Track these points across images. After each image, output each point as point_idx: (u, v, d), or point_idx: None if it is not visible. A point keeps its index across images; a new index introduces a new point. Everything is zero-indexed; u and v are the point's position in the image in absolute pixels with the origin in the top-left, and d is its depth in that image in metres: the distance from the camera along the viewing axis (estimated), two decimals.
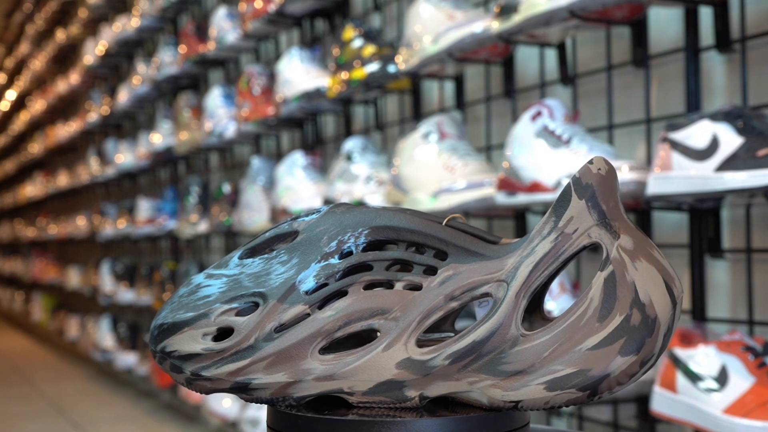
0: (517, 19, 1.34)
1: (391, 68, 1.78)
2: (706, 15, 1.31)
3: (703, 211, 1.28)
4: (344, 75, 1.89)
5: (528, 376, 0.54)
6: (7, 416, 3.39)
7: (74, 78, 4.61)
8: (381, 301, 0.56)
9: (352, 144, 1.89)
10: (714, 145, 1.09)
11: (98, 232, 4.17)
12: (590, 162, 0.55)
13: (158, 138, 3.30)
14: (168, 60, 3.15)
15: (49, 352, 5.39)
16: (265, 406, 2.46)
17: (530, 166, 1.33)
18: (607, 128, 1.51)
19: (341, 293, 0.57)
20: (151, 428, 3.17)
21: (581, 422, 1.59)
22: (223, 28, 2.61)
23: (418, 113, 1.94)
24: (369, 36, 1.89)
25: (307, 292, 0.57)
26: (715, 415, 1.10)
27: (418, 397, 0.56)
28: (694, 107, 1.29)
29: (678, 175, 1.13)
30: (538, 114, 1.35)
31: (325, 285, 0.57)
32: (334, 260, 0.58)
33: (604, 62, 1.53)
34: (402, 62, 1.70)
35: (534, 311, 0.59)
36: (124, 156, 3.77)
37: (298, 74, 2.15)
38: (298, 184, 2.12)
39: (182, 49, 2.97)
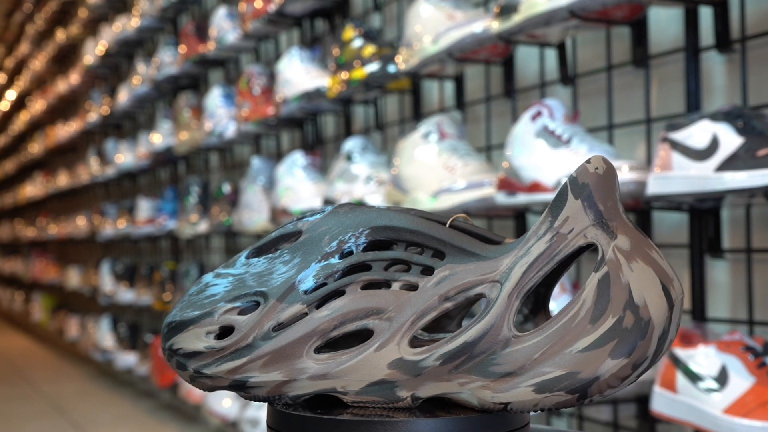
0: (517, 19, 1.34)
1: (391, 68, 1.78)
2: (706, 15, 1.31)
3: (703, 211, 1.28)
4: (344, 75, 1.89)
5: (517, 377, 0.53)
6: (7, 416, 3.39)
7: (74, 78, 4.61)
8: (376, 301, 0.57)
9: (352, 144, 1.89)
10: (714, 145, 1.09)
11: (98, 232, 4.17)
12: (588, 161, 0.54)
13: (158, 138, 3.31)
14: (168, 60, 3.15)
15: (49, 352, 5.39)
16: (264, 406, 2.46)
17: (530, 166, 1.33)
18: (607, 128, 1.51)
19: (339, 293, 0.58)
20: (151, 428, 3.17)
21: (581, 422, 1.59)
22: (223, 28, 2.61)
23: (418, 113, 1.94)
24: (369, 36, 1.89)
25: (305, 292, 0.58)
26: (715, 415, 1.10)
27: (410, 398, 0.56)
28: (694, 107, 1.29)
29: (678, 175, 1.13)
30: (538, 114, 1.35)
31: (323, 285, 0.58)
32: (334, 260, 0.58)
33: (604, 62, 1.53)
34: (402, 62, 1.70)
35: (538, 312, 0.59)
36: (124, 156, 3.77)
37: (298, 74, 2.15)
38: (298, 184, 2.12)
39: (182, 49, 2.97)
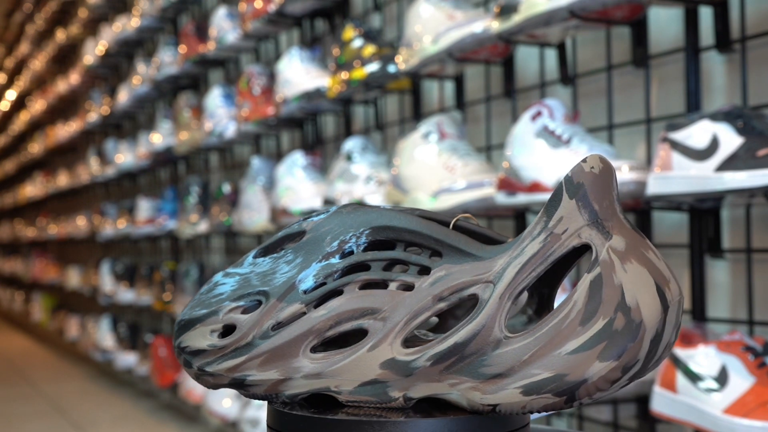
0: (517, 19, 1.34)
1: (391, 68, 1.78)
2: (706, 15, 1.31)
3: (703, 211, 1.28)
4: (344, 75, 1.89)
5: (506, 379, 0.53)
6: (7, 416, 3.39)
7: (74, 78, 4.62)
8: (371, 301, 0.57)
9: (352, 144, 1.89)
10: (714, 145, 1.09)
11: (98, 232, 4.17)
12: (584, 160, 0.53)
13: (158, 138, 3.31)
14: (168, 60, 3.15)
15: (49, 352, 5.39)
16: (264, 407, 2.46)
17: (530, 166, 1.33)
18: (607, 128, 1.51)
19: (337, 292, 0.58)
20: (151, 428, 3.17)
21: (581, 422, 1.59)
22: (223, 28, 2.61)
23: (418, 113, 1.94)
24: (369, 36, 1.89)
25: (305, 291, 0.58)
26: (715, 415, 1.10)
27: (402, 398, 0.56)
28: (694, 107, 1.29)
29: (678, 175, 1.13)
30: (538, 114, 1.35)
31: (323, 284, 0.58)
32: (335, 260, 0.58)
33: (604, 62, 1.53)
34: (402, 62, 1.70)
35: (543, 313, 0.59)
36: (124, 156, 3.77)
37: (298, 74, 2.15)
38: (298, 184, 2.12)
39: (182, 49, 2.97)
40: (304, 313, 0.58)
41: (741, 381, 1.09)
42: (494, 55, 1.63)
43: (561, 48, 1.54)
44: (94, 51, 4.15)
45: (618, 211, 0.54)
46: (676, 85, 1.40)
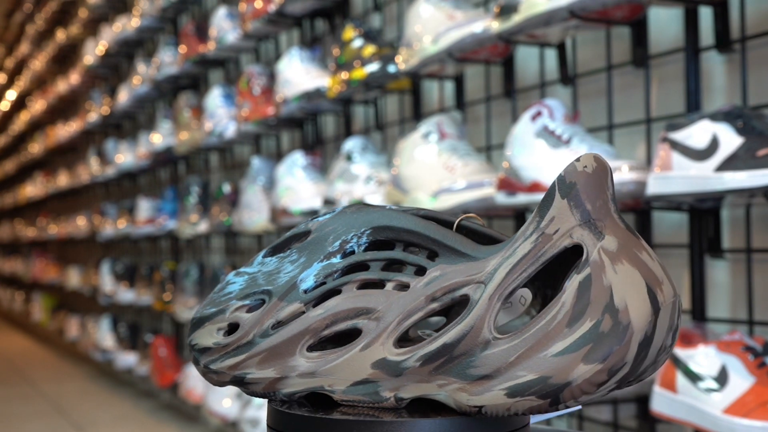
0: (517, 19, 1.34)
1: (391, 68, 1.78)
2: (706, 15, 1.31)
3: (703, 211, 1.28)
4: (344, 75, 1.89)
5: (492, 381, 0.52)
6: (7, 416, 3.39)
7: (74, 78, 4.62)
8: (367, 301, 0.57)
9: (352, 144, 1.89)
10: (714, 145, 1.09)
11: (98, 232, 4.17)
12: (577, 159, 0.53)
13: (158, 138, 3.31)
14: (168, 60, 3.15)
15: (49, 352, 5.39)
16: (264, 407, 2.46)
17: (530, 166, 1.33)
18: (607, 128, 1.51)
19: (336, 292, 0.58)
20: (151, 428, 3.17)
21: (581, 422, 1.59)
22: (223, 28, 2.61)
23: (418, 113, 1.94)
24: (369, 36, 1.89)
25: (305, 291, 0.59)
26: (715, 415, 1.10)
27: (393, 398, 0.55)
28: (694, 107, 1.29)
29: (678, 175, 1.13)
30: (538, 114, 1.35)
31: (323, 284, 0.59)
32: (336, 259, 0.59)
33: (604, 62, 1.53)
34: (402, 62, 1.70)
35: None
36: (124, 156, 3.77)
37: (298, 74, 2.15)
38: (298, 184, 2.12)
39: (182, 49, 2.97)
40: (303, 313, 0.58)
41: (741, 381, 1.09)
42: (494, 55, 1.63)
43: (561, 48, 1.54)
44: (94, 51, 4.15)
45: (612, 210, 0.53)
46: (676, 85, 1.40)
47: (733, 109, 1.11)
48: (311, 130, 2.42)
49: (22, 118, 6.35)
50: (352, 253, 0.59)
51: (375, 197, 1.75)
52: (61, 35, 4.88)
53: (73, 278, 4.79)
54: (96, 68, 4.23)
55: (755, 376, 1.09)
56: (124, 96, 3.72)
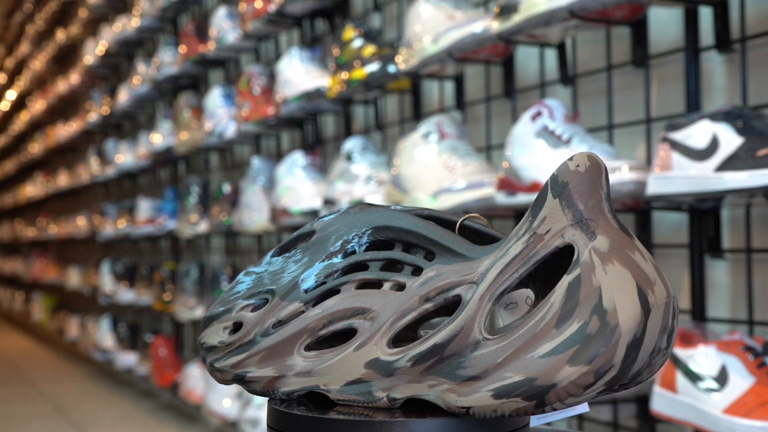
0: (517, 19, 1.34)
1: (391, 68, 1.78)
2: (706, 15, 1.31)
3: (703, 211, 1.28)
4: (344, 75, 1.89)
5: (480, 382, 0.51)
6: (7, 416, 3.39)
7: (74, 78, 4.61)
8: (363, 301, 0.57)
9: (352, 144, 1.89)
10: (714, 145, 1.09)
11: (98, 232, 4.17)
12: (570, 158, 0.52)
13: (158, 138, 3.31)
14: (168, 60, 3.15)
15: (49, 352, 5.39)
16: (265, 407, 2.46)
17: (530, 166, 1.33)
18: (607, 128, 1.51)
19: (335, 292, 0.58)
20: (151, 428, 3.17)
21: (581, 422, 1.59)
22: (223, 28, 2.61)
23: (418, 113, 1.94)
24: (369, 36, 1.89)
25: (306, 291, 0.59)
26: (715, 415, 1.10)
27: (386, 398, 0.55)
28: (694, 107, 1.29)
29: (678, 175, 1.13)
30: (538, 114, 1.35)
31: (323, 283, 0.59)
32: (337, 259, 0.59)
33: (604, 62, 1.53)
34: (402, 62, 1.70)
35: None
36: (124, 156, 3.77)
37: (298, 74, 2.15)
38: (298, 184, 2.12)
39: (182, 49, 2.97)
40: (303, 312, 0.58)
41: (741, 381, 1.09)
42: (494, 55, 1.63)
43: (561, 48, 1.54)
44: (94, 51, 4.15)
45: (606, 210, 0.52)
46: (676, 85, 1.40)
47: (733, 109, 1.11)
48: (311, 130, 2.42)
49: (22, 118, 6.35)
50: (353, 252, 0.59)
51: (375, 197, 1.75)
52: (61, 35, 4.88)
53: (73, 278, 4.79)
54: (96, 68, 4.23)
55: (755, 376, 1.09)
56: (124, 96, 3.72)
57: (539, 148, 1.33)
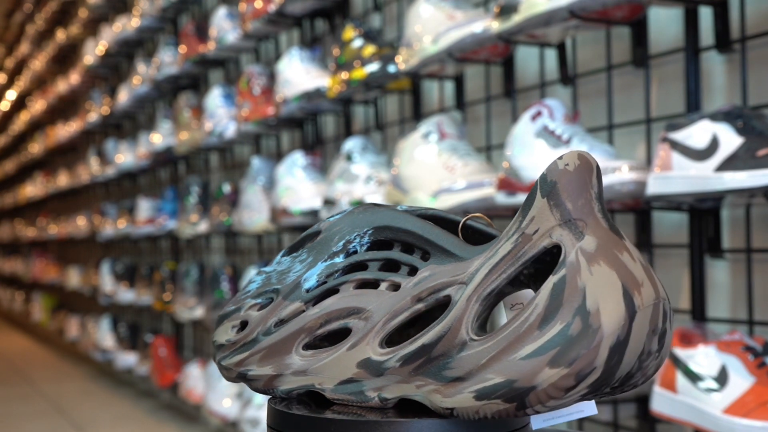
0: (517, 19, 1.34)
1: (391, 68, 1.78)
2: (706, 15, 1.31)
3: (703, 211, 1.28)
4: (344, 75, 1.89)
5: (464, 383, 0.51)
6: (7, 416, 3.39)
7: (74, 78, 4.61)
8: (359, 301, 0.57)
9: (352, 144, 1.89)
10: (714, 145, 1.09)
11: (98, 232, 4.17)
12: (560, 157, 0.51)
13: (158, 138, 3.31)
14: (168, 60, 3.15)
15: (49, 352, 5.39)
16: (265, 407, 2.45)
17: (530, 166, 1.33)
18: (607, 128, 1.51)
19: (334, 291, 0.58)
20: (151, 428, 3.17)
21: (581, 422, 1.59)
22: (223, 28, 2.61)
23: (418, 113, 1.94)
24: (369, 36, 1.89)
25: (308, 290, 0.59)
26: (715, 415, 1.10)
27: (377, 398, 0.55)
28: (694, 107, 1.29)
29: (678, 175, 1.13)
30: (538, 114, 1.35)
31: (324, 283, 0.59)
32: (339, 259, 0.60)
33: (604, 62, 1.53)
34: (402, 62, 1.70)
35: None
36: (124, 156, 3.77)
37: (298, 74, 2.15)
38: (298, 184, 2.12)
39: (182, 49, 2.97)
40: (303, 311, 0.59)
41: (741, 381, 1.09)
42: (494, 55, 1.63)
43: (561, 48, 1.54)
44: (94, 51, 4.15)
45: (596, 210, 0.51)
46: (676, 85, 1.40)
47: (733, 109, 1.11)
48: (311, 130, 2.42)
49: (22, 118, 6.35)
50: (355, 252, 0.59)
51: (375, 197, 1.75)
52: (61, 35, 4.88)
53: (73, 278, 4.79)
54: (96, 68, 4.23)
55: (755, 376, 1.09)
56: (124, 96, 3.72)
57: (539, 148, 1.33)
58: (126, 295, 3.76)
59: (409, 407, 0.56)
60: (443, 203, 1.50)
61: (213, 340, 0.63)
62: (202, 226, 2.85)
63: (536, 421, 0.57)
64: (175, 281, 3.15)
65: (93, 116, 4.25)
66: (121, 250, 4.45)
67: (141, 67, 3.51)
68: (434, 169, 1.56)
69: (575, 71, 1.59)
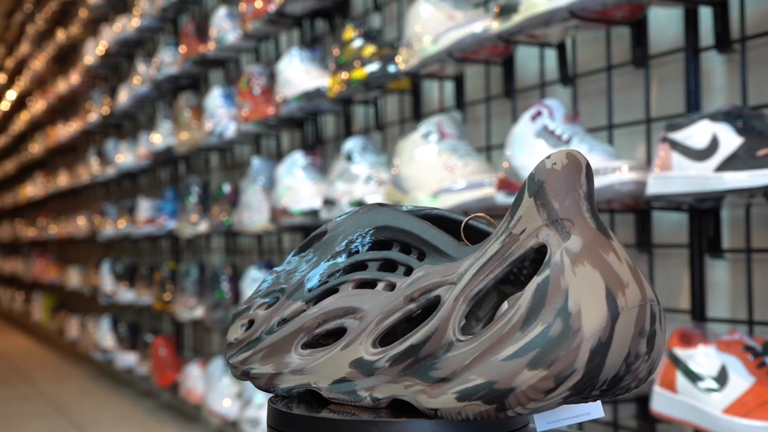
0: (517, 19, 1.34)
1: (391, 68, 1.78)
2: (706, 15, 1.31)
3: (703, 211, 1.28)
4: (344, 75, 1.89)
5: (448, 384, 0.50)
6: (7, 416, 3.39)
7: (74, 78, 4.61)
8: (355, 301, 0.57)
9: (352, 144, 1.89)
10: (714, 145, 1.09)
11: (98, 232, 4.17)
12: (548, 156, 0.50)
13: (158, 138, 3.31)
14: (168, 60, 3.15)
15: (49, 352, 5.39)
16: (265, 407, 2.45)
17: (530, 166, 1.33)
18: (607, 128, 1.51)
19: (334, 291, 0.59)
20: (151, 428, 3.17)
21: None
22: (223, 28, 2.61)
23: (418, 113, 1.94)
24: (369, 36, 1.89)
25: (310, 290, 0.60)
26: (714, 415, 1.10)
27: (369, 398, 0.55)
28: (694, 107, 1.29)
29: (678, 175, 1.13)
30: (538, 114, 1.35)
31: (326, 283, 0.59)
32: (341, 259, 0.60)
33: (604, 62, 1.53)
34: (402, 62, 1.70)
35: None
36: (124, 156, 3.77)
37: (298, 74, 2.15)
38: (298, 184, 2.12)
39: (182, 49, 2.97)
40: (304, 311, 0.59)
41: (741, 381, 1.09)
42: (494, 55, 1.63)
43: (561, 48, 1.54)
44: (94, 51, 4.15)
45: (584, 209, 0.50)
46: (676, 85, 1.40)
47: (733, 109, 1.11)
48: (311, 130, 2.42)
49: (22, 118, 6.35)
50: (357, 252, 0.60)
51: (375, 197, 1.75)
52: (61, 35, 4.88)
53: (73, 278, 4.79)
54: (96, 68, 4.23)
55: (755, 376, 1.09)
56: (124, 96, 3.72)
57: (539, 148, 1.33)
58: (126, 295, 3.76)
59: (404, 408, 0.55)
60: (443, 203, 1.50)
61: (227, 337, 0.65)
62: (202, 226, 2.85)
63: (541, 424, 0.56)
64: (175, 281, 3.15)
65: (93, 116, 4.25)
66: (121, 250, 4.45)
67: (141, 67, 3.51)
68: (434, 169, 1.56)
69: (575, 71, 1.59)
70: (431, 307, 0.55)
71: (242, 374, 0.62)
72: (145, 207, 3.45)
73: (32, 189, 6.11)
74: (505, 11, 1.38)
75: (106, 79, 4.45)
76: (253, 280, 2.39)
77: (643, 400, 1.34)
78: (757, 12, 1.28)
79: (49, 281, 5.46)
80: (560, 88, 1.62)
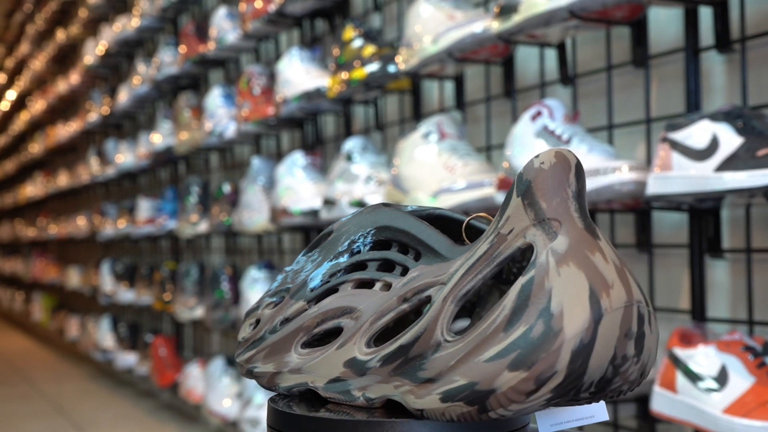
0: (517, 19, 1.34)
1: (391, 68, 1.78)
2: (706, 15, 1.31)
3: (703, 211, 1.28)
4: (344, 75, 1.89)
5: (434, 384, 0.50)
6: (7, 416, 3.39)
7: (74, 78, 4.61)
8: (352, 300, 0.57)
9: (352, 144, 1.89)
10: (714, 145, 1.09)
11: (98, 232, 4.17)
12: (536, 155, 0.50)
13: (158, 138, 3.31)
14: (168, 60, 3.15)
15: (49, 352, 5.39)
16: (265, 407, 2.45)
17: None
18: (607, 128, 1.51)
19: (335, 291, 0.59)
20: (151, 428, 3.17)
21: None
22: (223, 28, 2.61)
23: (418, 113, 1.94)
24: (369, 36, 1.89)
25: (312, 289, 0.60)
26: (714, 415, 1.10)
27: (362, 397, 0.55)
28: (694, 107, 1.29)
29: (678, 175, 1.13)
30: (538, 114, 1.35)
31: (327, 282, 0.60)
32: (343, 259, 0.60)
33: (604, 62, 1.53)
34: (402, 62, 1.70)
35: None
36: (124, 156, 3.77)
37: (298, 74, 2.15)
38: (298, 184, 2.12)
39: (182, 49, 2.97)
40: (305, 310, 0.59)
41: (741, 381, 1.09)
42: (494, 55, 1.63)
43: (561, 48, 1.54)
44: (94, 51, 4.15)
45: (572, 209, 0.49)
46: (676, 85, 1.40)
47: (733, 109, 1.11)
48: (311, 130, 2.42)
49: (22, 118, 6.35)
50: (359, 252, 0.60)
51: (375, 197, 1.75)
52: (61, 35, 4.88)
53: (73, 278, 4.79)
54: (96, 68, 4.23)
55: (755, 376, 1.09)
56: (124, 96, 3.72)
57: (539, 148, 1.33)
58: (126, 295, 3.76)
59: (399, 408, 0.55)
60: (443, 203, 1.50)
61: (238, 335, 0.66)
62: (202, 226, 2.85)
63: (543, 426, 0.56)
64: (175, 281, 3.15)
65: (93, 116, 4.25)
66: (121, 250, 4.45)
67: (141, 67, 3.51)
68: (434, 169, 1.56)
69: (575, 71, 1.59)
70: (423, 307, 0.55)
71: (247, 372, 0.63)
72: (145, 207, 3.45)
73: (32, 189, 6.11)
74: (505, 11, 1.38)
75: (106, 79, 4.45)
76: (253, 280, 2.39)
77: (643, 400, 1.34)
78: (757, 12, 1.28)
79: (49, 281, 5.46)
80: (560, 88, 1.62)
